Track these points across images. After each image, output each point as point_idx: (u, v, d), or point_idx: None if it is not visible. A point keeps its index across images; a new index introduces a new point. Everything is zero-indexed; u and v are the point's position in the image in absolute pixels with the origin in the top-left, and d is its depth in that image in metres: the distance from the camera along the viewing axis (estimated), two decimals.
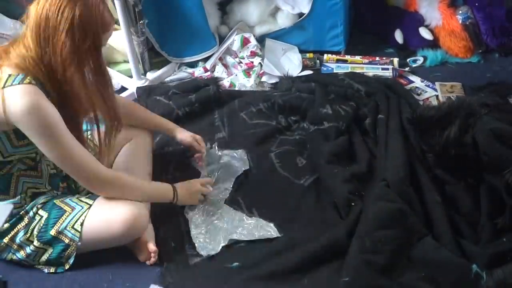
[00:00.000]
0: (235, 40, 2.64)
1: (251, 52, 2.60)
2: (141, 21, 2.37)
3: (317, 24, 2.59)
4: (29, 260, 1.60)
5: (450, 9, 2.65)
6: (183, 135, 1.93)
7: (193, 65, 2.66)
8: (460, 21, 2.62)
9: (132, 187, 1.61)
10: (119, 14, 2.29)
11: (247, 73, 2.54)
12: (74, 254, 1.57)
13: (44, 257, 1.58)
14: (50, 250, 1.57)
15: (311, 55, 2.66)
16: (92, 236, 1.55)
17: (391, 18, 2.76)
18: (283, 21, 2.68)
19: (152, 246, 1.63)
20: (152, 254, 1.62)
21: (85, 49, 1.43)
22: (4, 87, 1.39)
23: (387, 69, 2.53)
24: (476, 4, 2.63)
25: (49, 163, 1.63)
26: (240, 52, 2.62)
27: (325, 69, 2.59)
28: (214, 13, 2.72)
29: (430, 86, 2.45)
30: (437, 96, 2.38)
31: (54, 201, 1.60)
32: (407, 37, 2.73)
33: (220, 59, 2.65)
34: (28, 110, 1.38)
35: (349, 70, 2.54)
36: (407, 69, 2.57)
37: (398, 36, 2.73)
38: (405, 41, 2.73)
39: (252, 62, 2.57)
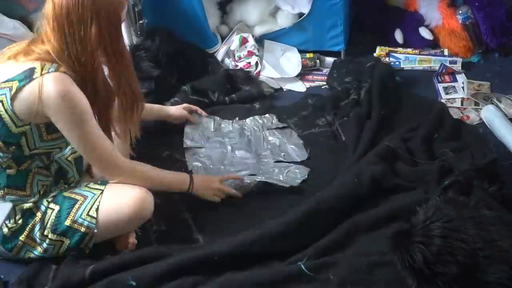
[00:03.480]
0: (233, 40, 2.64)
1: (248, 52, 2.60)
2: (141, 21, 2.37)
3: (317, 24, 2.59)
4: (48, 255, 1.60)
5: (450, 9, 2.65)
6: (176, 109, 2.08)
7: None
8: (460, 21, 2.62)
9: (147, 178, 1.65)
10: None
11: None
12: (93, 239, 1.58)
13: (62, 249, 1.59)
14: (67, 242, 1.58)
15: (311, 55, 2.66)
16: (107, 222, 1.57)
17: (391, 18, 2.76)
18: (283, 21, 2.67)
19: (132, 239, 1.65)
20: (130, 246, 1.65)
21: (110, 33, 1.47)
22: (42, 74, 1.43)
23: (455, 62, 2.58)
24: (476, 4, 2.63)
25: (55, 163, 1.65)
26: (237, 51, 2.62)
27: (394, 60, 2.62)
28: (214, 12, 2.72)
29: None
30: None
31: (63, 193, 1.61)
32: (407, 37, 2.73)
33: None
34: (62, 96, 1.43)
35: (416, 64, 2.60)
36: (455, 67, 2.56)
37: (398, 36, 2.73)
38: (405, 41, 2.73)
39: (249, 63, 2.57)
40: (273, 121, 2.19)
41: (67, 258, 1.59)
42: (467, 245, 1.40)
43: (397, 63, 2.62)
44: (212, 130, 2.15)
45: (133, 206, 1.57)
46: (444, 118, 2.11)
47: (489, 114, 2.21)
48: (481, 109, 2.27)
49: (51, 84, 1.43)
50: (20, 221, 1.56)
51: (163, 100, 2.25)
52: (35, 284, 1.54)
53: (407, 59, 2.64)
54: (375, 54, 2.68)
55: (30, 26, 2.49)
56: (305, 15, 2.59)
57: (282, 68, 2.60)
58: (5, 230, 1.56)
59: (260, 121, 2.19)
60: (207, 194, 1.80)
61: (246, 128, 2.17)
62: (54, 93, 1.42)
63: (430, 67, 2.58)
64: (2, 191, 1.56)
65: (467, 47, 2.62)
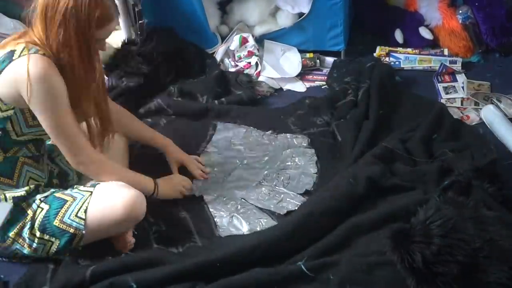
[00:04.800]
0: (233, 40, 2.64)
1: (249, 51, 2.60)
2: (141, 21, 2.38)
3: (317, 24, 2.59)
4: (39, 255, 1.59)
5: (450, 9, 2.65)
6: (177, 155, 1.91)
7: None
8: (460, 21, 2.62)
9: (115, 172, 1.64)
10: None
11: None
12: (82, 241, 1.58)
13: (52, 250, 1.58)
14: (56, 242, 1.57)
15: (311, 55, 2.66)
16: (96, 223, 1.56)
17: (391, 18, 2.76)
18: (283, 21, 2.67)
19: (129, 238, 1.65)
20: (128, 245, 1.64)
21: (77, 41, 1.48)
22: (21, 55, 1.45)
23: (455, 62, 2.58)
24: (476, 4, 2.63)
25: (49, 162, 1.65)
26: (237, 51, 2.62)
27: (394, 60, 2.62)
28: (214, 12, 2.72)
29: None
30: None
31: (55, 194, 1.61)
32: (407, 37, 2.73)
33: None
34: (38, 77, 1.44)
35: (416, 63, 2.60)
36: (455, 67, 2.56)
37: (398, 36, 2.73)
38: (405, 41, 2.73)
39: (249, 63, 2.57)
40: (303, 143, 2.10)
41: (65, 259, 1.58)
42: (467, 245, 1.40)
43: (397, 63, 2.62)
44: (241, 137, 2.12)
45: (122, 207, 1.55)
46: (443, 118, 2.11)
47: (489, 114, 2.21)
48: (481, 109, 2.27)
49: (29, 64, 1.43)
50: (12, 217, 1.56)
51: (146, 96, 2.26)
52: (33, 284, 1.54)
53: (407, 59, 2.64)
54: (375, 54, 2.68)
55: None
56: (305, 15, 2.59)
57: (282, 68, 2.60)
58: None
59: (290, 140, 2.11)
60: (172, 193, 1.80)
61: (273, 144, 2.09)
62: (31, 74, 1.43)
63: (430, 67, 2.58)
64: None
65: (467, 47, 2.62)
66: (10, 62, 1.46)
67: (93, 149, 1.62)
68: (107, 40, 1.61)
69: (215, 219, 1.77)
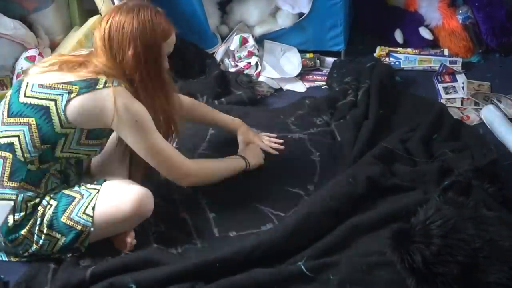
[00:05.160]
0: (233, 40, 2.64)
1: (249, 52, 2.60)
2: None
3: (317, 24, 2.59)
4: (43, 252, 1.60)
5: (450, 9, 2.65)
6: (248, 135, 1.99)
7: None
8: (460, 21, 2.62)
9: (213, 172, 1.78)
10: None
11: None
12: (88, 238, 1.58)
13: (57, 247, 1.58)
14: (63, 239, 1.57)
15: (311, 55, 2.66)
16: (104, 220, 1.57)
17: (391, 18, 2.76)
18: (283, 21, 2.67)
19: (130, 239, 1.65)
20: (128, 245, 1.64)
21: (147, 59, 1.55)
22: (106, 86, 1.52)
23: (455, 62, 2.58)
24: (476, 4, 2.63)
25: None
26: (237, 51, 2.62)
27: (394, 60, 2.62)
28: (214, 12, 2.72)
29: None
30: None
31: (63, 191, 1.62)
32: (407, 37, 2.73)
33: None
34: (126, 109, 1.53)
35: (416, 63, 2.60)
36: (455, 67, 2.56)
37: (398, 36, 2.73)
38: (405, 41, 2.73)
39: (249, 63, 2.57)
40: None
41: (66, 259, 1.59)
42: (467, 245, 1.40)
43: (397, 63, 2.62)
44: None
45: (131, 204, 1.57)
46: (443, 118, 2.11)
47: (489, 114, 2.21)
48: (481, 109, 2.27)
49: (115, 97, 1.51)
50: (25, 216, 1.56)
51: None
52: (34, 284, 1.54)
53: (407, 59, 2.64)
54: (375, 54, 2.68)
55: (30, 26, 2.49)
56: (305, 15, 2.59)
57: (282, 68, 2.60)
58: (10, 222, 1.55)
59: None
60: (258, 161, 1.90)
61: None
62: (118, 106, 1.51)
63: (430, 67, 2.58)
64: (18, 183, 1.56)
65: (467, 47, 2.62)
66: (92, 90, 1.52)
67: (187, 162, 1.69)
68: None
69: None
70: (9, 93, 1.62)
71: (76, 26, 2.63)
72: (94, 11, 2.59)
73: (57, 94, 1.52)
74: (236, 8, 2.74)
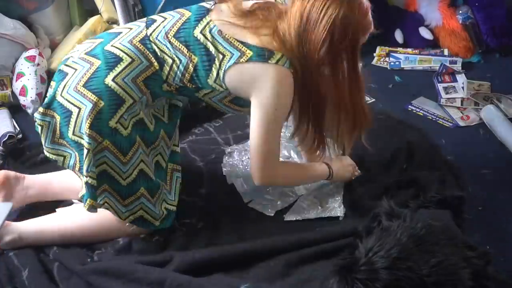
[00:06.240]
0: None
1: None
2: None
3: None
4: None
5: (450, 9, 2.65)
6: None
7: None
8: (460, 21, 2.62)
9: (295, 181, 1.75)
10: (119, 14, 2.30)
11: None
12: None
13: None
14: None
15: None
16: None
17: (391, 18, 2.76)
18: None
19: None
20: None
21: (342, 50, 1.46)
22: (277, 63, 1.44)
23: (455, 62, 2.57)
24: (476, 4, 2.63)
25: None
26: None
27: (394, 60, 2.63)
28: None
29: None
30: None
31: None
32: (407, 37, 2.73)
33: None
34: (276, 92, 1.46)
35: (417, 63, 2.60)
36: (455, 67, 2.55)
37: (398, 36, 2.73)
38: (405, 41, 2.73)
39: None
40: None
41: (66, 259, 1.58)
42: (414, 274, 1.29)
43: (397, 63, 2.62)
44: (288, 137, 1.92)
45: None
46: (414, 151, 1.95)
47: (489, 114, 2.21)
48: (481, 109, 2.27)
49: (277, 77, 1.44)
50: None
51: None
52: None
53: (407, 59, 2.64)
54: (375, 54, 2.68)
55: (30, 26, 2.49)
56: None
57: None
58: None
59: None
60: (345, 174, 1.77)
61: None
62: (272, 84, 1.44)
63: (430, 67, 2.58)
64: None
65: (467, 47, 2.62)
66: (263, 61, 1.44)
67: (280, 165, 1.66)
68: None
69: None
70: (187, 13, 1.54)
71: (76, 26, 2.64)
72: (94, 11, 2.59)
73: (228, 51, 1.46)
74: None
